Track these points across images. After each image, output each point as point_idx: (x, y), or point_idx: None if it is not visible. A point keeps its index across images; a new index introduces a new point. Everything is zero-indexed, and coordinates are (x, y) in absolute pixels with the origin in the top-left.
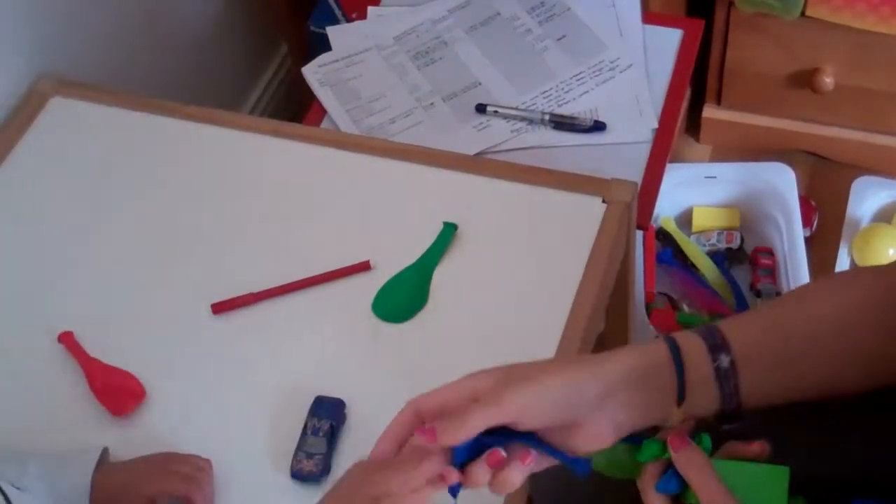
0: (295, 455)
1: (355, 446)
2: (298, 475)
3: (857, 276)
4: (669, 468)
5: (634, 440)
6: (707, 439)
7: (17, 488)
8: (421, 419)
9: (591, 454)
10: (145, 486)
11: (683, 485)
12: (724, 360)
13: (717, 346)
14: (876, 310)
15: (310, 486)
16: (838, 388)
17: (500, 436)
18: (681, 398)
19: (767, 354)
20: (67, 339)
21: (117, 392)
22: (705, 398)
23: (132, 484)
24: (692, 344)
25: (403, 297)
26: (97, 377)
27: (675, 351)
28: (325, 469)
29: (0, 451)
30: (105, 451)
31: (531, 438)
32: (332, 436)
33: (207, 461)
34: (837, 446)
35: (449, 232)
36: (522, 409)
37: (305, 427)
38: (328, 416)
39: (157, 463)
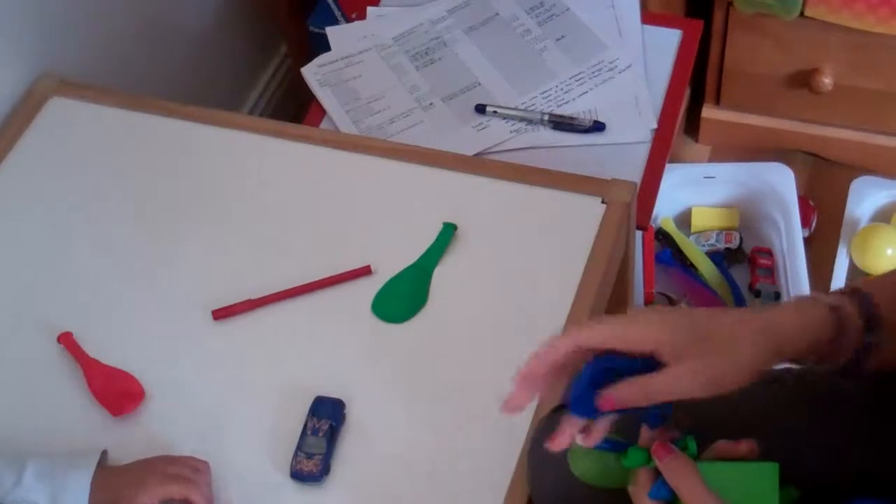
0: (295, 455)
1: (355, 446)
2: (298, 475)
3: None
4: (660, 475)
5: (620, 447)
6: (692, 444)
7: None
8: (581, 351)
9: (579, 465)
10: (144, 490)
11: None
12: (871, 337)
13: (870, 327)
14: None
15: (310, 487)
16: None
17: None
18: (820, 359)
19: None
20: (66, 340)
21: (117, 392)
22: (838, 361)
23: (131, 488)
24: (852, 319)
25: (403, 298)
26: (97, 377)
27: (838, 324)
28: (325, 469)
29: None
30: (104, 454)
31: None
32: (332, 436)
33: (205, 463)
34: (832, 441)
35: (448, 232)
36: (689, 391)
37: (305, 427)
38: (328, 416)
39: (155, 467)
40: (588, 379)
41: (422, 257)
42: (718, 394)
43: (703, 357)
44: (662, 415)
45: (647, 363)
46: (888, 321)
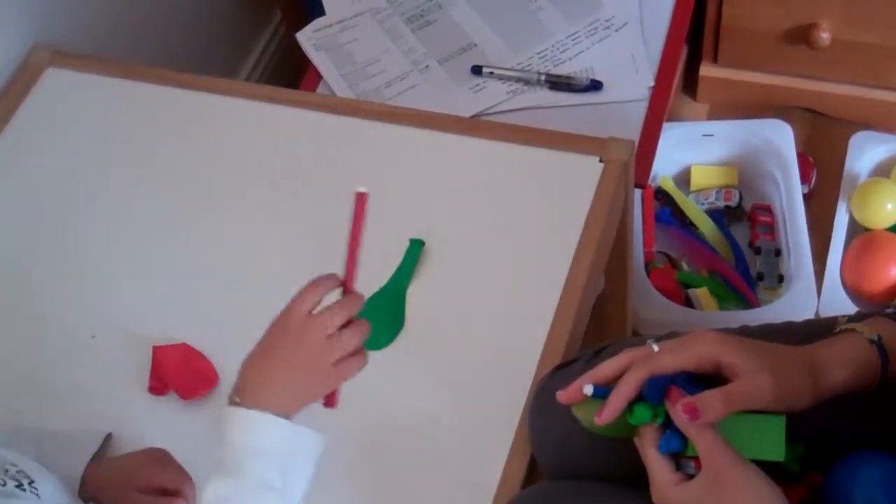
0: None
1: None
2: None
3: None
4: (668, 429)
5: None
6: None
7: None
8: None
9: (586, 416)
10: (136, 476)
11: (684, 442)
12: None
13: None
14: None
15: None
16: None
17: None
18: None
19: None
20: None
21: (190, 375)
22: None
23: (124, 473)
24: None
25: (382, 319)
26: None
27: (883, 353)
28: None
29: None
30: (108, 438)
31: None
32: None
33: (189, 478)
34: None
35: (416, 249)
36: (765, 398)
37: None
38: None
39: (153, 456)
40: (670, 379)
41: (392, 279)
42: (788, 410)
43: (773, 373)
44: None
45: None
46: None
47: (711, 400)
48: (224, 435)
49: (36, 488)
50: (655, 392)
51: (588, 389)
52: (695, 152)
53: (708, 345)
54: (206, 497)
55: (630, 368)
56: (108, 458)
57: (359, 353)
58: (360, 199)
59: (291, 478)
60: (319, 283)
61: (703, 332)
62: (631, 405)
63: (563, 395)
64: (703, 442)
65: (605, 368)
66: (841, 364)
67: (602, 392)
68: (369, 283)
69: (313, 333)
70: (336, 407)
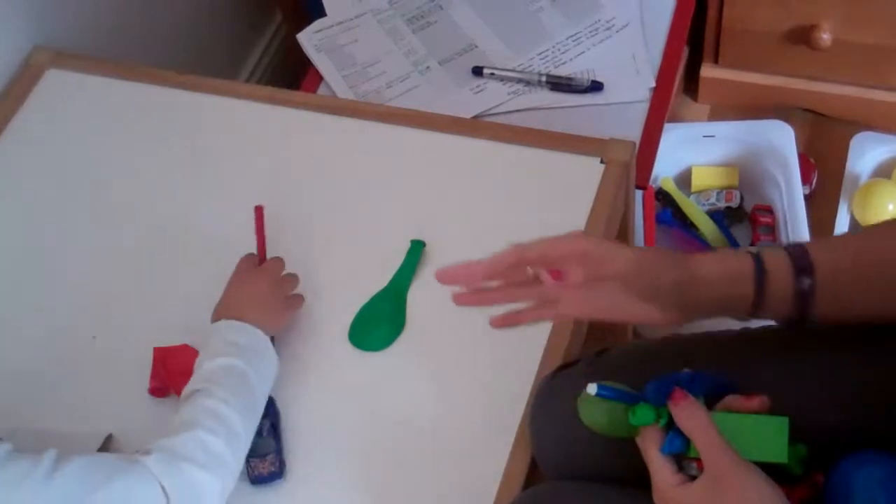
0: (247, 463)
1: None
2: (259, 479)
3: None
4: (671, 430)
5: (628, 399)
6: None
7: None
8: (523, 264)
9: (588, 414)
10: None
11: (686, 444)
12: (806, 283)
13: (803, 268)
14: None
15: (275, 486)
16: None
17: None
18: (754, 310)
19: (852, 282)
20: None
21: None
22: (779, 311)
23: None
24: (778, 263)
25: (383, 320)
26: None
27: (760, 269)
28: (282, 463)
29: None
30: (108, 438)
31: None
32: (276, 431)
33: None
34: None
35: (417, 250)
36: (614, 269)
37: None
38: (264, 415)
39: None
40: (674, 380)
41: (393, 280)
42: (649, 286)
43: (634, 250)
44: (693, 379)
45: (732, 385)
46: (842, 286)
47: (573, 267)
48: (208, 341)
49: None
50: (658, 393)
51: (592, 389)
52: (696, 153)
53: (579, 237)
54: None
55: (507, 254)
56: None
57: (297, 295)
58: (258, 212)
59: (253, 375)
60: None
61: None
62: (633, 406)
63: (442, 275)
64: (704, 443)
65: (490, 262)
66: (716, 259)
67: (606, 391)
68: (370, 284)
69: (267, 276)
70: None
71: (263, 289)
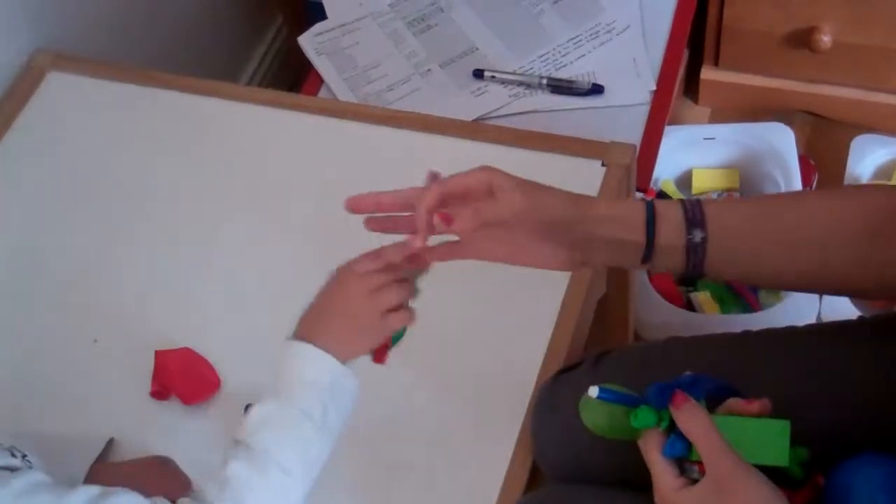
0: None
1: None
2: None
3: (859, 193)
4: (672, 433)
5: (630, 401)
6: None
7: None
8: (443, 202)
9: (590, 417)
10: (136, 484)
11: (688, 447)
12: (697, 236)
13: (694, 221)
14: (864, 233)
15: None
16: (805, 288)
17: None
18: (646, 258)
19: (744, 238)
20: None
21: (192, 380)
22: (670, 262)
23: (124, 480)
24: (671, 215)
25: None
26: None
27: (651, 218)
28: None
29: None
30: (110, 442)
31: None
32: None
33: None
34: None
35: None
36: (508, 207)
37: None
38: None
39: (155, 465)
40: (676, 383)
41: None
42: (522, 264)
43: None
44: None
45: (733, 388)
46: (731, 244)
47: (463, 212)
48: (280, 366)
49: (30, 461)
50: (660, 396)
51: (593, 391)
52: (696, 155)
53: (485, 170)
54: (251, 414)
55: (419, 197)
56: (110, 463)
57: (404, 309)
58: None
59: (331, 415)
60: (379, 254)
61: (485, 165)
62: (635, 409)
63: (351, 202)
64: (706, 446)
65: (397, 194)
66: (609, 202)
67: (607, 394)
68: None
69: (356, 288)
70: (386, 363)
71: (353, 300)
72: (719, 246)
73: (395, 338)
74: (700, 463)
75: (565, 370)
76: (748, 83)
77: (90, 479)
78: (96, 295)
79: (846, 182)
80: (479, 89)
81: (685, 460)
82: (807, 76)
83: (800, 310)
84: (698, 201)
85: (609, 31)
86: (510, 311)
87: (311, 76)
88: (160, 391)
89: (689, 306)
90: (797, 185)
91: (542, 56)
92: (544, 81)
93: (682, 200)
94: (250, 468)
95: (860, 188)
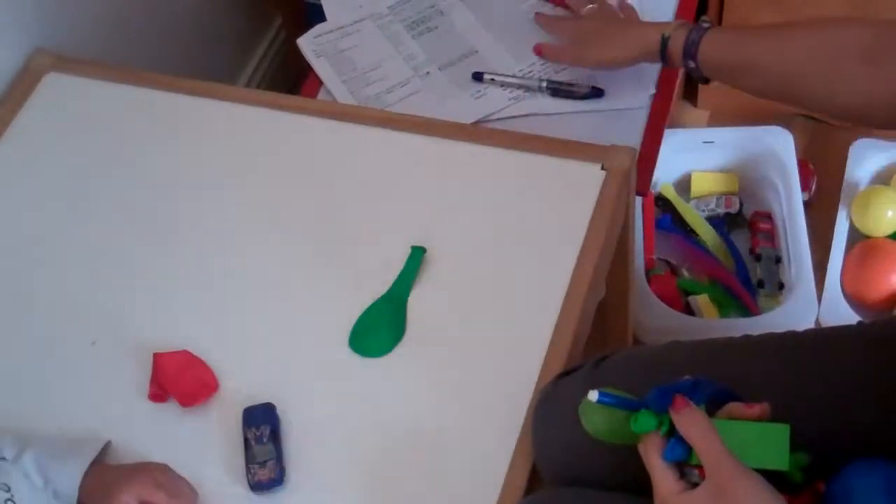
0: (247, 469)
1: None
2: (259, 486)
3: (836, 27)
4: (672, 437)
5: (630, 405)
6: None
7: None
8: None
9: (590, 421)
10: (129, 487)
11: (688, 451)
12: (691, 64)
13: (689, 54)
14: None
15: (274, 493)
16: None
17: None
18: (663, 62)
19: (729, 72)
20: None
21: (190, 382)
22: (680, 67)
23: (114, 486)
24: (677, 45)
25: (383, 326)
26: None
27: (664, 47)
28: (281, 470)
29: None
30: (107, 445)
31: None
32: (276, 438)
33: (195, 492)
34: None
35: (417, 256)
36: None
37: (247, 441)
38: (264, 421)
39: (149, 471)
40: (676, 387)
41: (393, 286)
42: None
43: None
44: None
45: (733, 392)
46: (719, 70)
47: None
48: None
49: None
50: (660, 400)
51: (593, 395)
52: (695, 159)
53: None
54: None
55: None
56: (107, 465)
57: None
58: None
59: None
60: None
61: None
62: (635, 413)
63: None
64: (706, 451)
65: None
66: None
67: (607, 398)
68: (370, 290)
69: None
70: None
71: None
72: (710, 72)
73: (393, 340)
74: (700, 467)
75: (565, 373)
76: None
77: (87, 482)
78: (94, 297)
79: (845, 187)
80: (478, 92)
81: (685, 464)
82: None
83: (799, 313)
84: (699, 37)
85: None
86: (510, 313)
87: (311, 78)
88: (158, 393)
89: (689, 310)
90: (796, 188)
91: (541, 59)
92: (544, 84)
93: (688, 34)
94: None
95: (837, 24)
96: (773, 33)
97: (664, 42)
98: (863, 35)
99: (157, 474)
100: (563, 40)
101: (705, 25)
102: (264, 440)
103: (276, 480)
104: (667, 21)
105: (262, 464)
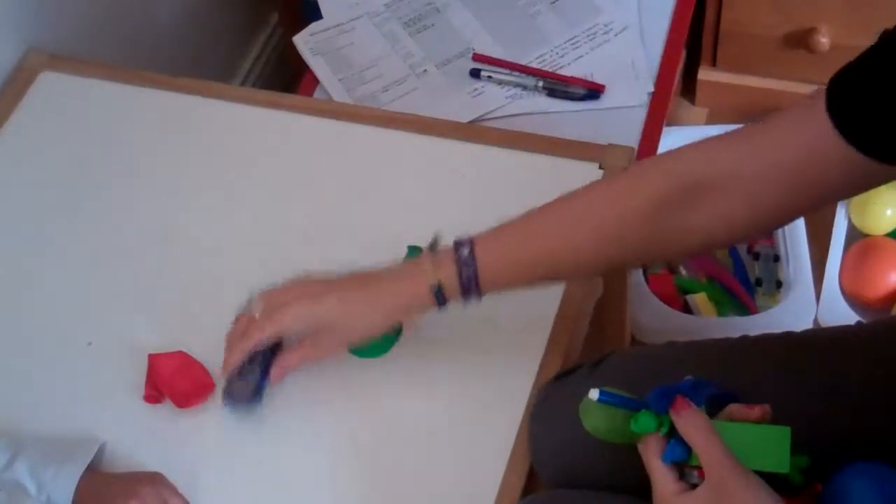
0: (226, 383)
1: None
2: (232, 402)
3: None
4: (672, 438)
5: (631, 405)
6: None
7: None
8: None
9: (590, 420)
10: (116, 499)
11: (688, 452)
12: (474, 299)
13: (468, 291)
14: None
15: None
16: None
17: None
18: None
19: (525, 283)
20: None
21: (186, 383)
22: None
23: (107, 496)
24: (451, 288)
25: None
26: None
27: (440, 297)
28: (259, 396)
29: None
30: (102, 447)
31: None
32: (265, 371)
33: (186, 501)
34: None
35: (413, 256)
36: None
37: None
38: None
39: (140, 481)
40: (677, 388)
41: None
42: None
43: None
44: (695, 387)
45: (734, 394)
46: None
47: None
48: None
49: None
50: (660, 401)
51: (594, 394)
52: None
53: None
54: None
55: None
56: (100, 474)
57: None
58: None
59: None
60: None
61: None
62: (635, 413)
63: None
64: (706, 452)
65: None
66: (394, 294)
67: (608, 397)
68: None
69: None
70: None
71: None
72: (490, 287)
73: (390, 340)
74: (700, 468)
75: (563, 374)
76: (746, 84)
77: (81, 488)
78: (90, 297)
79: None
80: (475, 90)
81: (685, 465)
82: (805, 77)
83: (797, 312)
84: (475, 274)
85: (607, 33)
86: (506, 312)
87: (307, 76)
88: (154, 395)
89: (686, 309)
90: None
91: (539, 57)
92: (541, 83)
93: (460, 276)
94: None
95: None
96: (553, 220)
97: (438, 290)
98: (662, 183)
99: (146, 485)
100: (291, 341)
101: (465, 252)
102: (255, 362)
103: (253, 401)
104: (405, 261)
105: (244, 379)
